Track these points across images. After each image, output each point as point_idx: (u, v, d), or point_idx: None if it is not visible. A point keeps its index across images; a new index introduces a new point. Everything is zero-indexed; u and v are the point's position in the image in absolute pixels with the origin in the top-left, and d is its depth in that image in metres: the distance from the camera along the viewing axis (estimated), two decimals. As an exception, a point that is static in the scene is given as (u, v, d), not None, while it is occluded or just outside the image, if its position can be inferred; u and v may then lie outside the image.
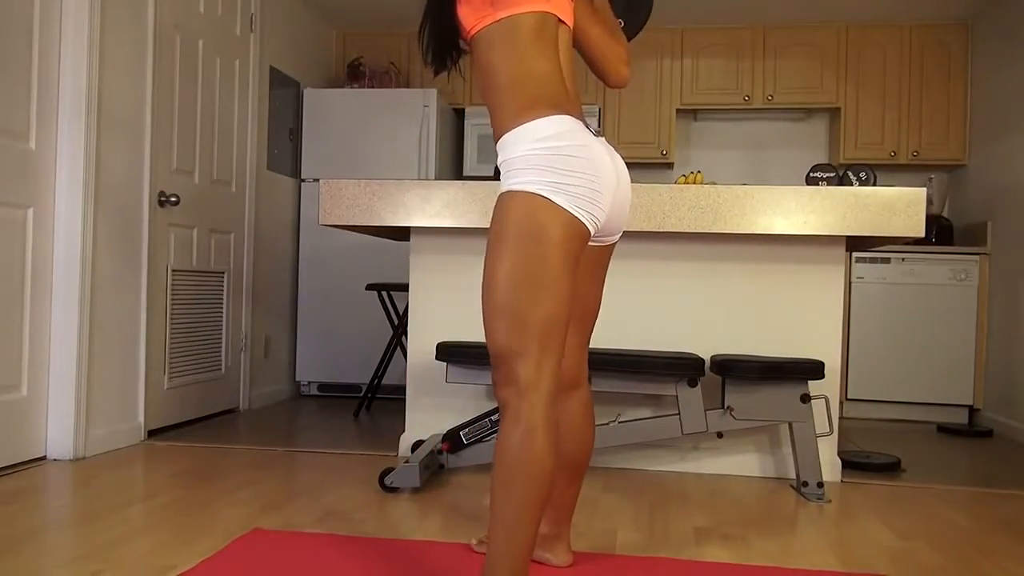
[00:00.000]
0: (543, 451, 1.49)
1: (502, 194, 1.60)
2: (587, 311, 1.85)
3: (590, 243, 1.75)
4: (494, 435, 2.69)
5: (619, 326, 3.06)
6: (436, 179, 4.56)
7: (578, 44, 1.82)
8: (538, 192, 1.54)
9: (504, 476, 1.50)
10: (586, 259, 1.79)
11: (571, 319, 1.74)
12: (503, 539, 1.49)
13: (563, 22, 1.69)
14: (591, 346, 3.01)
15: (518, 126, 1.59)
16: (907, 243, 4.20)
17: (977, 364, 4.47)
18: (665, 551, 2.09)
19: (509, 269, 1.53)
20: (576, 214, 1.55)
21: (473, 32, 1.66)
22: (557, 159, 1.55)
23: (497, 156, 1.65)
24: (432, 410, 3.14)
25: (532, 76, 1.61)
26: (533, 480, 1.48)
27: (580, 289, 1.81)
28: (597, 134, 1.66)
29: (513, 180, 1.58)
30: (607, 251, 1.82)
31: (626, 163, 5.51)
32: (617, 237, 1.80)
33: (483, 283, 1.58)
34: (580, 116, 1.66)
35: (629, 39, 1.97)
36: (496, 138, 1.66)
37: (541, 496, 1.50)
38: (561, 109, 1.61)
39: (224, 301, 3.99)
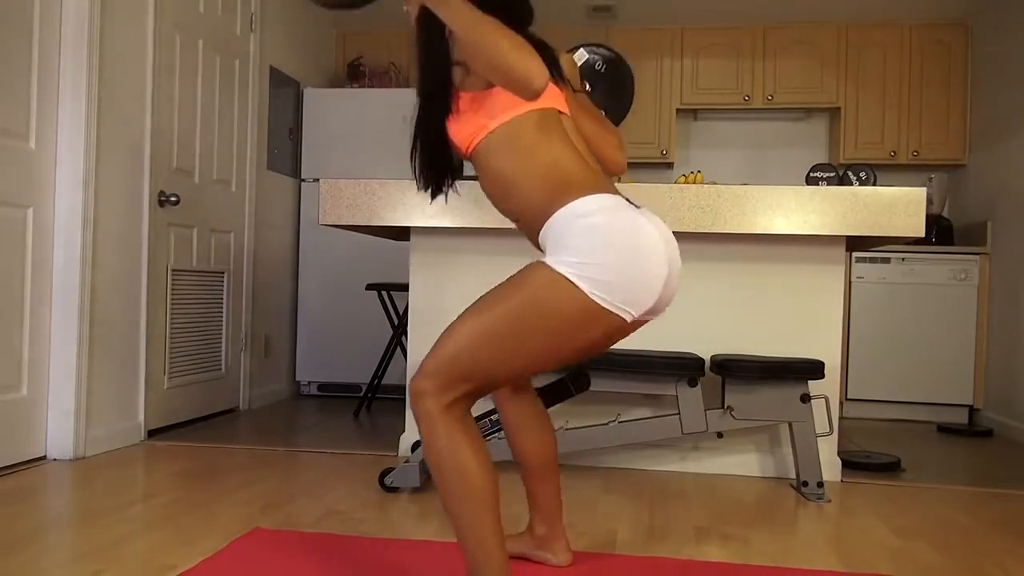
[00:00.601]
0: (470, 455, 1.48)
1: (540, 262, 1.50)
2: (571, 363, 1.83)
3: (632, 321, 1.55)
4: (494, 435, 2.69)
5: (619, 326, 3.06)
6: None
7: None
8: (572, 279, 1.44)
9: (445, 487, 1.49)
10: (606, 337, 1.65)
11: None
12: (471, 543, 1.50)
13: (562, 113, 1.63)
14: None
15: (556, 211, 1.50)
16: (907, 243, 4.20)
17: (977, 364, 4.47)
18: (665, 551, 2.09)
19: (488, 322, 1.47)
20: (607, 306, 1.45)
21: (471, 147, 1.60)
22: (601, 244, 1.45)
23: (543, 248, 1.55)
24: (432, 410, 3.14)
25: (552, 166, 1.54)
26: (471, 484, 1.47)
27: (579, 355, 1.72)
28: (637, 208, 1.56)
29: (555, 257, 1.48)
30: (639, 325, 1.63)
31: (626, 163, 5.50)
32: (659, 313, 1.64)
33: (467, 309, 1.51)
34: (615, 192, 1.56)
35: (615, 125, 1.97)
36: (534, 234, 1.57)
37: (485, 497, 1.48)
38: (596, 189, 1.52)
39: (224, 301, 3.99)
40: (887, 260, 4.54)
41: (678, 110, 5.21)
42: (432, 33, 1.57)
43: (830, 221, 2.66)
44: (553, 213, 1.51)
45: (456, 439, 1.48)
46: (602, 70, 1.98)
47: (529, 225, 1.59)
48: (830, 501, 2.66)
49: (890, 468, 3.14)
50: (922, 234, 2.63)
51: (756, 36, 5.07)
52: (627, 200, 1.56)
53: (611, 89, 1.98)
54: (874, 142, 4.97)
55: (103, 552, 1.95)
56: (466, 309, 1.52)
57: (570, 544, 1.98)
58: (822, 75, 5.02)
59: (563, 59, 1.77)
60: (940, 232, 4.75)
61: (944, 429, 4.23)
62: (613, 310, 1.47)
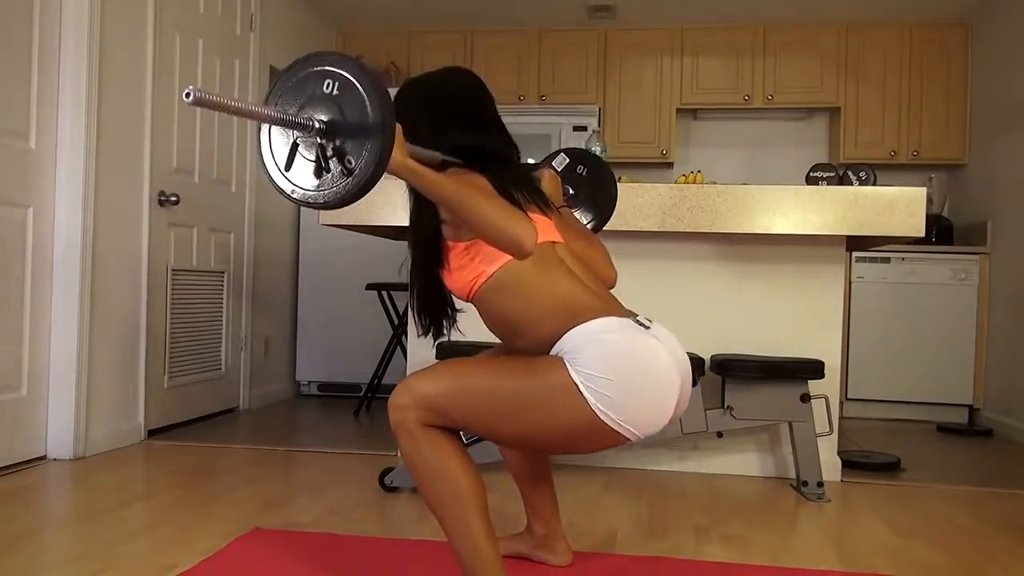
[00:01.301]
0: (453, 459, 1.48)
1: (563, 359, 1.47)
2: None
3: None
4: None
5: (619, 326, 3.06)
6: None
7: None
8: (582, 390, 1.43)
9: (431, 493, 1.50)
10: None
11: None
12: (463, 547, 1.50)
13: (556, 243, 1.63)
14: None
15: (567, 331, 1.50)
16: (907, 243, 4.20)
17: (977, 364, 4.47)
18: (665, 550, 2.09)
19: (491, 392, 1.47)
20: (612, 424, 1.44)
21: (472, 294, 1.59)
22: (614, 362, 1.44)
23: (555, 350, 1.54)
24: (432, 410, 3.14)
25: (559, 302, 1.53)
26: (458, 486, 1.48)
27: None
28: (648, 326, 1.56)
29: (572, 359, 1.46)
30: None
31: (626, 163, 5.51)
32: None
33: (480, 364, 1.50)
34: (625, 314, 1.56)
35: (603, 226, 2.00)
36: (546, 351, 1.55)
37: (472, 499, 1.48)
38: (607, 312, 1.52)
39: (224, 301, 3.99)
40: (887, 260, 4.54)
41: (678, 110, 5.20)
42: (419, 192, 1.55)
43: (830, 221, 2.66)
44: (564, 334, 1.50)
45: (439, 444, 1.49)
46: (583, 173, 2.03)
47: (540, 341, 1.56)
48: (830, 501, 2.66)
49: (890, 468, 3.14)
50: (922, 234, 2.63)
51: (756, 36, 5.07)
52: (637, 321, 1.55)
53: (595, 189, 2.02)
54: (874, 142, 4.96)
55: (103, 552, 1.95)
56: (481, 359, 1.53)
57: (570, 544, 1.98)
58: (822, 75, 5.01)
59: (546, 180, 1.78)
60: (940, 232, 4.75)
61: (944, 429, 4.23)
62: (617, 429, 1.46)
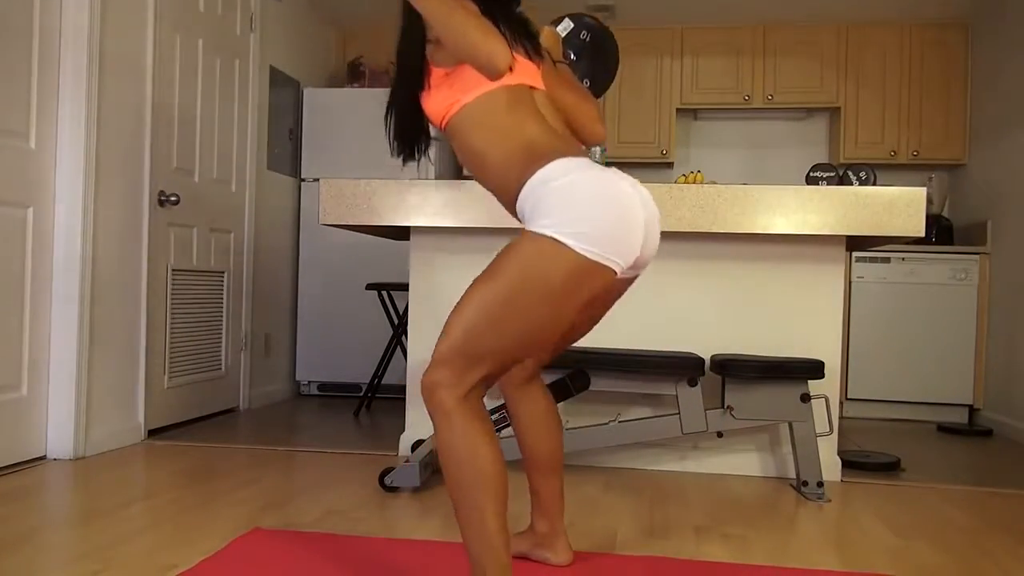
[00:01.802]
0: (485, 447, 1.48)
1: (524, 231, 1.52)
2: (577, 334, 1.83)
3: (621, 275, 1.60)
4: (503, 429, 2.69)
5: (619, 326, 3.06)
6: (436, 178, 4.56)
7: None
8: (556, 237, 1.46)
9: (456, 479, 1.49)
10: (607, 293, 1.73)
11: (544, 349, 1.68)
12: (475, 537, 1.49)
13: (535, 88, 1.66)
14: (592, 346, 3.01)
15: (527, 180, 1.54)
16: (907, 243, 4.21)
17: (977, 364, 4.47)
18: (665, 550, 2.09)
19: (488, 300, 1.48)
20: (593, 258, 1.47)
21: (444, 121, 1.64)
22: (576, 199, 1.48)
23: (521, 218, 1.58)
24: (432, 410, 3.14)
25: (523, 144, 1.57)
26: (485, 477, 1.47)
27: (581, 318, 1.77)
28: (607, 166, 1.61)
29: (535, 224, 1.50)
30: (628, 284, 1.76)
31: (626, 163, 5.52)
32: (643, 269, 1.71)
33: (465, 292, 1.53)
34: (583, 155, 1.60)
35: (597, 96, 1.98)
36: (513, 210, 1.60)
37: (496, 491, 1.48)
38: (565, 154, 1.55)
39: (224, 301, 3.99)
40: (887, 260, 4.54)
41: (678, 110, 5.21)
42: (411, 10, 1.64)
43: (830, 221, 2.66)
44: (524, 182, 1.55)
45: (471, 430, 1.48)
46: (586, 39, 1.99)
47: (507, 199, 1.62)
48: (830, 501, 2.66)
49: (890, 468, 3.14)
50: (922, 234, 2.63)
51: (756, 36, 5.07)
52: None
53: (595, 58, 1.99)
54: (874, 142, 4.97)
55: (103, 552, 1.95)
56: (464, 295, 1.53)
57: (570, 544, 1.98)
58: (822, 75, 5.01)
59: (544, 33, 1.82)
60: (940, 232, 4.76)
61: (944, 429, 4.23)
62: (603, 262, 1.48)
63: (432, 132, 1.80)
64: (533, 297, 1.47)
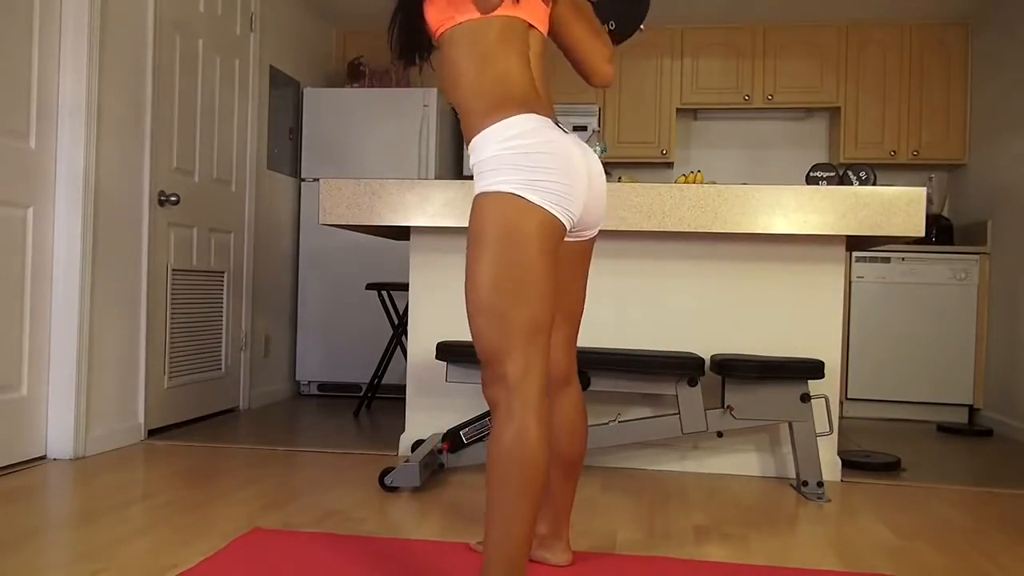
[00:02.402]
0: (536, 448, 1.50)
1: (477, 196, 1.60)
2: (572, 308, 1.85)
3: (568, 239, 1.77)
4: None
5: (619, 326, 3.06)
6: (436, 178, 4.57)
7: (560, 44, 1.84)
8: (511, 191, 1.55)
9: (499, 474, 1.50)
10: (566, 256, 1.80)
11: (555, 316, 1.74)
12: (499, 538, 1.49)
13: (534, 27, 1.69)
14: (591, 346, 3.01)
15: (487, 127, 1.60)
16: (907, 243, 4.20)
17: (977, 364, 4.47)
18: (665, 550, 2.09)
19: (489, 271, 1.54)
20: (550, 210, 1.56)
21: (439, 33, 1.69)
22: (526, 157, 1.56)
23: (470, 159, 1.66)
24: (432, 410, 3.14)
25: (499, 77, 1.61)
26: (528, 477, 1.49)
27: (563, 286, 1.82)
28: (567, 132, 1.67)
29: (485, 181, 1.58)
30: (587, 247, 1.82)
31: (626, 163, 5.51)
32: (595, 232, 1.80)
33: (465, 286, 1.59)
34: (551, 115, 1.67)
35: (624, 38, 1.96)
36: (467, 140, 1.67)
37: (536, 493, 1.50)
38: (529, 108, 1.61)
39: (224, 301, 3.99)
40: (887, 260, 4.54)
41: (678, 110, 5.21)
42: None
43: (830, 221, 2.66)
44: (483, 128, 1.60)
45: (530, 424, 1.51)
46: None
47: (466, 126, 1.66)
48: (830, 501, 2.66)
49: (890, 468, 3.14)
50: (922, 234, 2.63)
51: (756, 36, 5.07)
52: (556, 123, 1.65)
53: (620, 5, 1.95)
54: (874, 142, 4.96)
55: (103, 552, 1.95)
56: (466, 279, 1.59)
57: (570, 544, 1.98)
58: (822, 75, 5.01)
59: None
60: (940, 232, 4.75)
61: (944, 429, 4.23)
62: (557, 215, 1.57)
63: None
64: (517, 244, 1.54)
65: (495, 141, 1.58)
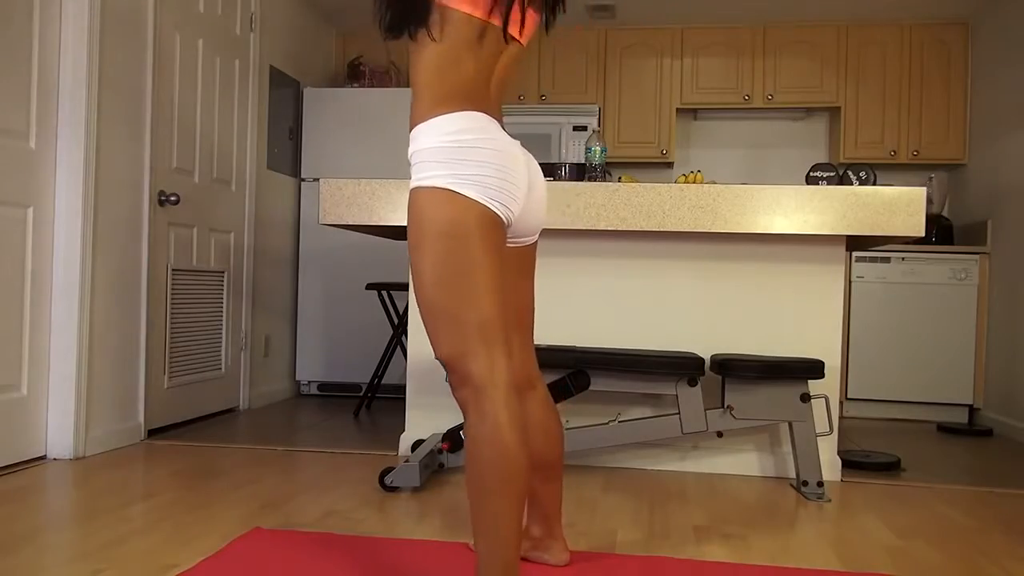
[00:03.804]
0: (511, 445, 1.47)
1: (412, 191, 1.57)
2: (521, 310, 1.83)
3: (509, 243, 1.74)
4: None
5: (619, 326, 3.06)
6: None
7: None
8: (447, 187, 1.52)
9: (477, 476, 1.48)
10: (510, 258, 1.78)
11: (507, 314, 1.70)
12: (488, 539, 1.48)
13: (514, 39, 1.65)
14: (592, 346, 3.01)
15: (431, 118, 1.57)
16: (907, 243, 4.20)
17: (977, 364, 4.47)
18: (665, 550, 2.09)
19: (433, 270, 1.52)
20: (488, 205, 1.54)
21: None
22: (464, 151, 1.53)
23: (409, 147, 1.63)
24: (432, 409, 3.15)
25: (455, 71, 1.58)
26: (507, 477, 1.46)
27: (509, 289, 1.79)
28: (513, 139, 1.66)
29: (421, 175, 1.56)
30: (529, 250, 1.80)
31: (626, 163, 5.51)
32: (535, 238, 1.79)
33: (413, 288, 1.56)
34: (497, 118, 1.65)
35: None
36: (410, 127, 1.63)
37: (518, 490, 1.48)
38: (477, 107, 1.59)
39: (224, 301, 3.99)
40: (887, 260, 4.54)
41: (678, 110, 5.21)
42: None
43: (830, 221, 2.66)
44: (427, 119, 1.57)
45: (500, 431, 1.47)
46: None
47: (414, 110, 1.62)
48: (830, 501, 2.66)
49: (890, 468, 3.14)
50: (922, 234, 2.63)
51: (756, 36, 5.07)
52: (501, 127, 1.64)
53: None
54: (874, 141, 4.96)
55: (103, 552, 1.95)
56: (413, 286, 1.57)
57: (567, 544, 1.98)
58: (822, 74, 5.01)
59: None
60: (940, 232, 4.75)
61: (944, 429, 4.23)
62: (496, 211, 1.55)
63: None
64: (457, 240, 1.51)
65: (435, 134, 1.55)
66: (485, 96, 1.63)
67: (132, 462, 2.95)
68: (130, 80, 3.23)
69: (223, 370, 3.99)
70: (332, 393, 4.79)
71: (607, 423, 2.80)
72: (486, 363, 1.51)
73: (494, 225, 1.55)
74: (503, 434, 1.47)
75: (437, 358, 1.56)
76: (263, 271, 4.39)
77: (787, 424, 2.81)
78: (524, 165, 1.64)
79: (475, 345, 1.51)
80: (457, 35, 1.58)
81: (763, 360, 2.70)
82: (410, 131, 1.63)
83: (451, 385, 1.55)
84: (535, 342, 2.78)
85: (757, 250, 3.01)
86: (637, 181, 3.57)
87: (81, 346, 2.96)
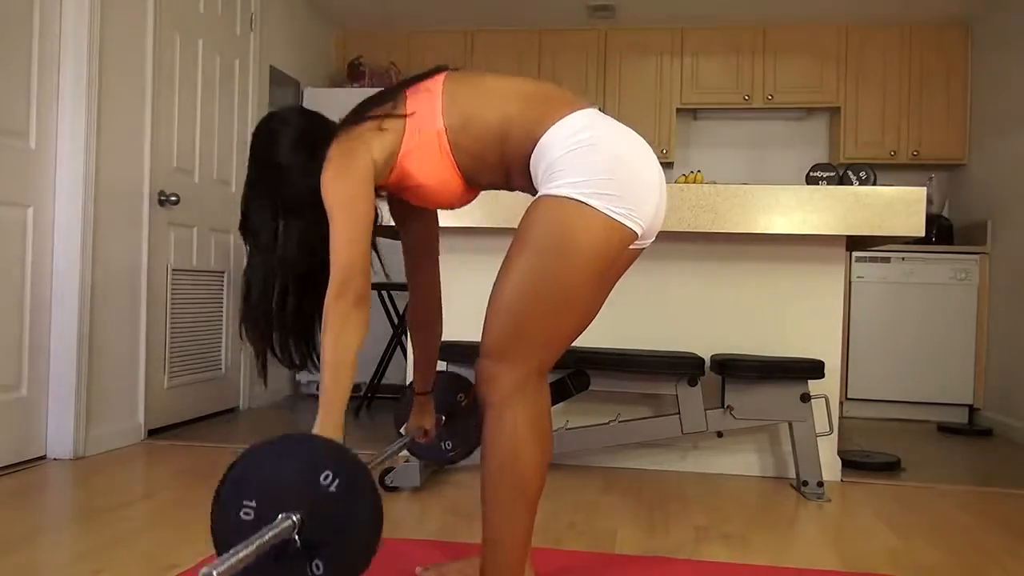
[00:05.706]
0: (528, 461, 1.45)
1: (540, 196, 1.45)
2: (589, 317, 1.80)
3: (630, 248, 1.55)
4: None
5: (619, 326, 3.06)
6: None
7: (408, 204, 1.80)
8: (578, 198, 1.40)
9: (490, 480, 1.47)
10: (616, 262, 1.61)
11: (576, 335, 1.60)
12: (496, 541, 1.48)
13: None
14: (592, 346, 3.01)
15: (542, 135, 1.44)
16: (907, 243, 4.20)
17: (977, 364, 4.47)
18: (665, 550, 2.09)
19: (523, 278, 1.43)
20: (619, 219, 1.42)
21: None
22: (598, 156, 1.41)
23: (534, 180, 1.48)
24: (432, 410, 3.14)
25: (495, 119, 1.48)
26: (520, 487, 1.46)
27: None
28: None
29: (552, 184, 1.43)
30: (635, 256, 1.62)
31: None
32: (651, 241, 1.61)
33: (497, 276, 1.46)
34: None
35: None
36: (518, 182, 1.54)
37: (531, 496, 1.47)
38: (573, 107, 1.47)
39: (224, 301, 3.99)
40: (887, 260, 4.54)
41: (678, 110, 5.21)
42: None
43: (830, 221, 2.66)
44: (537, 137, 1.47)
45: (519, 431, 1.44)
46: (462, 402, 2.26)
47: (490, 179, 1.58)
48: (830, 500, 2.66)
49: (890, 468, 3.14)
50: (922, 234, 2.63)
51: (756, 36, 5.07)
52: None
53: (463, 427, 2.26)
54: (874, 141, 4.97)
55: (103, 552, 1.95)
56: (499, 276, 1.47)
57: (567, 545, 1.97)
58: (822, 75, 5.01)
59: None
60: (940, 232, 4.75)
61: (944, 429, 4.23)
62: (627, 222, 1.43)
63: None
64: (564, 260, 1.41)
65: (560, 140, 1.43)
66: (552, 99, 1.51)
67: (132, 462, 2.95)
68: (130, 80, 3.23)
69: (223, 370, 3.99)
70: (332, 393, 4.78)
71: (607, 423, 2.80)
72: (522, 377, 1.45)
73: (614, 242, 1.44)
74: (520, 449, 1.45)
75: (482, 343, 1.47)
76: (263, 271, 4.38)
77: (787, 424, 2.81)
78: (654, 158, 1.52)
79: (522, 358, 1.45)
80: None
81: (763, 360, 2.70)
82: (516, 185, 1.56)
83: (477, 372, 1.48)
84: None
85: (757, 250, 3.01)
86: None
87: (81, 346, 2.96)
